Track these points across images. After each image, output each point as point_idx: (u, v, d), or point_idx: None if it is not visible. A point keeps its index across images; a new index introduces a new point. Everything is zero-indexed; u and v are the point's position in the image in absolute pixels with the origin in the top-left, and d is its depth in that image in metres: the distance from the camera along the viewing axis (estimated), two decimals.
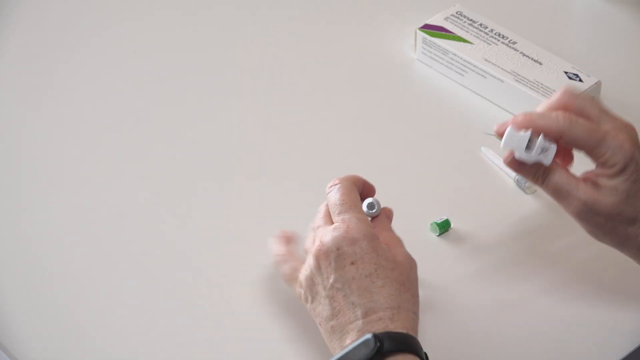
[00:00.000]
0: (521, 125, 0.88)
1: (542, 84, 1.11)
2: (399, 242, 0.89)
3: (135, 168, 1.08)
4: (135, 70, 1.19)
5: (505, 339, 0.93)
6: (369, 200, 0.91)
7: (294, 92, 1.17)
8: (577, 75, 1.12)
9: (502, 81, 1.12)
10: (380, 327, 0.83)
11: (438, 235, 1.00)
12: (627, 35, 1.23)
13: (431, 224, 1.01)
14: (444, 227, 1.01)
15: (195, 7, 1.28)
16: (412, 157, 1.09)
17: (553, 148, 0.87)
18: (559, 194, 0.88)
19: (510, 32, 1.17)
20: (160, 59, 1.21)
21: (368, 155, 1.09)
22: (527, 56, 1.14)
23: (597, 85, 1.12)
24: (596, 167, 0.88)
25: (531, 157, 0.87)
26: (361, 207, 0.90)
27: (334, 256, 0.86)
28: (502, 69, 1.13)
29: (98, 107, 1.15)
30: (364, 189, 0.93)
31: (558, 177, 0.88)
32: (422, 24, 1.18)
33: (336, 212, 0.89)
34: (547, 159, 0.88)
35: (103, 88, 1.17)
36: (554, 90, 1.10)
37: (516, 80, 1.12)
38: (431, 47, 1.17)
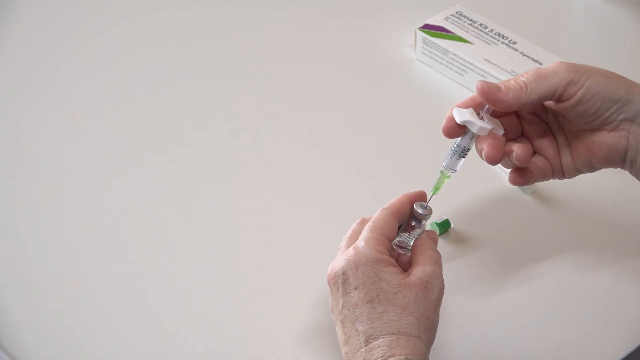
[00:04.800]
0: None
1: None
2: (428, 260, 0.87)
3: (135, 168, 1.08)
4: (135, 70, 1.20)
5: (504, 339, 0.93)
6: (420, 202, 0.90)
7: (293, 92, 1.17)
8: None
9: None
10: (378, 355, 0.82)
11: (438, 235, 1.00)
12: (627, 35, 1.23)
13: (431, 224, 1.01)
14: (444, 227, 1.01)
15: (195, 6, 1.28)
16: (412, 157, 1.09)
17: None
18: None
19: (510, 32, 1.17)
20: (161, 57, 1.21)
21: (367, 155, 1.09)
22: (527, 56, 1.14)
23: None
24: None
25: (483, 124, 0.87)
26: (385, 232, 0.87)
27: (340, 281, 0.85)
28: (502, 69, 1.13)
29: (98, 106, 1.15)
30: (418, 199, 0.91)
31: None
32: (422, 24, 1.18)
33: (359, 237, 0.88)
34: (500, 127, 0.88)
35: (103, 87, 1.17)
36: None
37: None
38: (431, 47, 1.17)
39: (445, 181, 0.90)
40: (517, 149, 0.87)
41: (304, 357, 0.91)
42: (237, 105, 1.15)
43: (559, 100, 0.86)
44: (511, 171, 0.90)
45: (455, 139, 0.88)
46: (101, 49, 1.22)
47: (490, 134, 0.87)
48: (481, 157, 0.87)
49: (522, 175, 0.90)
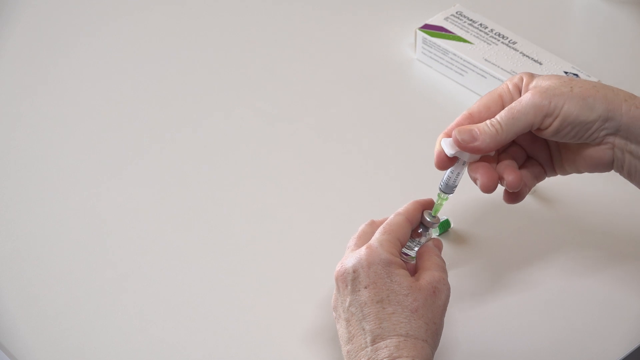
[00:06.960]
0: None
1: None
2: (436, 266, 0.88)
3: (136, 168, 1.08)
4: (134, 69, 1.20)
5: (504, 339, 0.93)
6: (429, 211, 0.91)
7: (293, 92, 1.17)
8: (577, 75, 1.12)
9: (502, 81, 1.12)
10: (384, 356, 0.82)
11: (438, 235, 1.00)
12: (627, 35, 1.23)
13: None
14: (444, 227, 1.01)
15: (195, 5, 1.28)
16: (412, 157, 1.09)
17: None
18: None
19: (510, 32, 1.17)
20: (161, 57, 1.21)
21: (367, 155, 1.09)
22: (527, 56, 1.14)
23: None
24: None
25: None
26: (399, 237, 0.88)
27: (350, 279, 0.85)
28: (502, 69, 1.13)
29: (98, 106, 1.15)
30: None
31: None
32: (422, 24, 1.18)
33: (372, 238, 0.88)
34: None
35: (103, 87, 1.18)
36: None
37: None
38: (431, 47, 1.17)
39: (443, 203, 0.91)
40: (508, 176, 0.88)
41: (305, 357, 0.91)
42: (237, 105, 1.15)
43: (538, 130, 0.86)
44: (504, 191, 0.90)
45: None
46: (101, 49, 1.22)
47: (482, 158, 0.88)
48: (476, 184, 0.88)
49: (516, 196, 0.91)
